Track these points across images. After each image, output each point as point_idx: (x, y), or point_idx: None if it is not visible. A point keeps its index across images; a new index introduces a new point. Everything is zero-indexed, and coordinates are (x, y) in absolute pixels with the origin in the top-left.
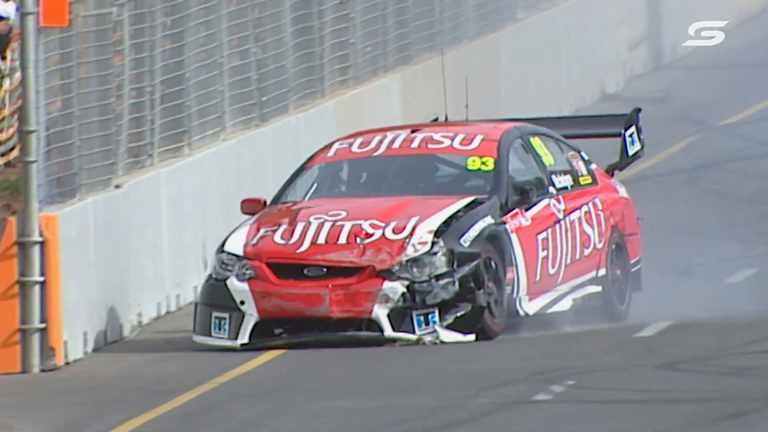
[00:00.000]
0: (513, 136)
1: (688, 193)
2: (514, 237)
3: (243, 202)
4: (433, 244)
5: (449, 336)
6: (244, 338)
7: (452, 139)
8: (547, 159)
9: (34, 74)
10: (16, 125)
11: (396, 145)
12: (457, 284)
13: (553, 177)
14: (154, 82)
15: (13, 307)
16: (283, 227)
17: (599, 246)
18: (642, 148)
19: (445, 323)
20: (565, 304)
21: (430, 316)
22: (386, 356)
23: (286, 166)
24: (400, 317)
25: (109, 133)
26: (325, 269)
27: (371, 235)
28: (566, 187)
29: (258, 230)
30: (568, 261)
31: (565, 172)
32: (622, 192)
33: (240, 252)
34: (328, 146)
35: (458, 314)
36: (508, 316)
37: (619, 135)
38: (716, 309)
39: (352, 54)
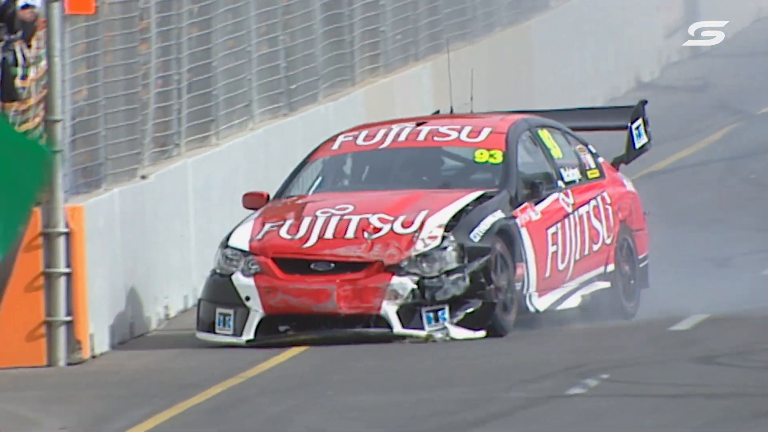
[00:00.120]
0: (521, 128)
1: (725, 183)
2: (524, 232)
3: (245, 196)
4: (443, 238)
5: (459, 333)
6: (249, 335)
7: (459, 132)
8: (556, 152)
9: (60, 63)
10: (42, 115)
11: (402, 138)
12: (467, 280)
13: (562, 170)
14: (181, 70)
15: (39, 299)
16: (289, 222)
17: (608, 241)
18: (649, 141)
19: (455, 320)
20: (574, 301)
21: (439, 313)
22: (415, 350)
23: None
24: (409, 313)
25: (136, 123)
26: (332, 264)
27: (379, 230)
28: (574, 181)
29: (263, 225)
30: (577, 256)
31: (573, 166)
32: (629, 186)
33: (245, 247)
34: (332, 139)
35: (469, 310)
36: (518, 312)
37: (625, 128)
38: (753, 302)
39: (383, 42)
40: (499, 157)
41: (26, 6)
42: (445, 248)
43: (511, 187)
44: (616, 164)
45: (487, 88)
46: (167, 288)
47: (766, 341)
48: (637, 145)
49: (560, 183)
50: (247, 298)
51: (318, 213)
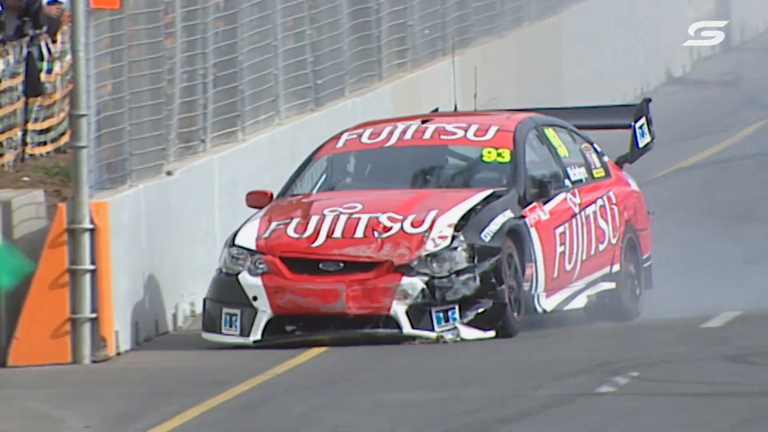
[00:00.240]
0: (528, 126)
1: (756, 179)
2: (533, 231)
3: (249, 194)
4: (453, 238)
5: (470, 333)
6: (256, 335)
7: (466, 131)
8: (562, 151)
9: (85, 58)
10: (67, 110)
11: (407, 136)
12: (478, 280)
13: (568, 169)
14: (206, 65)
15: (64, 296)
16: (297, 220)
17: (613, 241)
18: (653, 140)
19: (465, 320)
20: (580, 301)
21: (449, 313)
22: (442, 349)
23: None
24: (418, 314)
25: (161, 118)
26: (341, 264)
27: (389, 229)
28: (581, 180)
29: (269, 223)
30: (584, 257)
31: (579, 165)
32: (634, 185)
33: (252, 246)
34: (337, 137)
35: (479, 311)
36: (525, 312)
37: (629, 127)
38: None
39: (410, 36)
40: (507, 156)
41: (53, 2)
42: (456, 248)
43: (519, 186)
44: (620, 163)
45: (515, 83)
46: (192, 285)
47: None
48: (641, 144)
49: (567, 182)
50: (255, 298)
51: (326, 212)
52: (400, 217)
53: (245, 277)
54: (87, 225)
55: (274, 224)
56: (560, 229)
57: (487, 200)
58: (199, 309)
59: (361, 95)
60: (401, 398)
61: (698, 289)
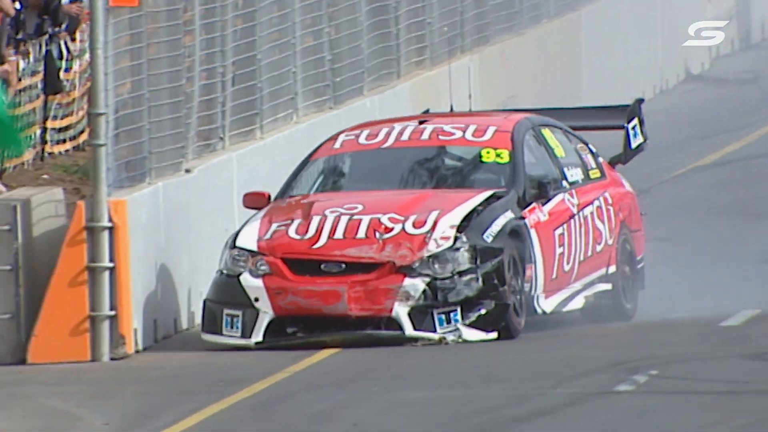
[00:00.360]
0: (525, 127)
1: None
2: (533, 232)
3: (246, 195)
4: (456, 239)
5: (472, 335)
6: (258, 337)
7: (464, 131)
8: (559, 151)
9: (103, 56)
10: (86, 108)
11: (405, 136)
12: (480, 281)
13: (566, 170)
14: (225, 63)
15: (83, 293)
16: (298, 221)
17: (610, 242)
18: (645, 140)
19: (467, 321)
20: (578, 303)
21: (451, 314)
22: (459, 348)
23: None
24: (420, 315)
25: (180, 116)
26: (343, 265)
27: (391, 230)
28: (577, 181)
29: (270, 225)
30: (582, 258)
31: (575, 165)
32: (628, 186)
33: (254, 247)
34: (333, 138)
35: (481, 312)
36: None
37: (621, 128)
38: None
39: (429, 34)
40: (505, 156)
41: (73, 0)
42: (458, 249)
43: (519, 187)
44: (613, 164)
45: (533, 81)
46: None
47: None
48: (633, 145)
49: (564, 183)
50: (256, 300)
51: (327, 212)
52: (402, 218)
53: (247, 279)
54: (106, 223)
55: (274, 225)
56: (559, 230)
57: (487, 201)
58: None
59: (379, 93)
60: (419, 396)
61: (717, 288)
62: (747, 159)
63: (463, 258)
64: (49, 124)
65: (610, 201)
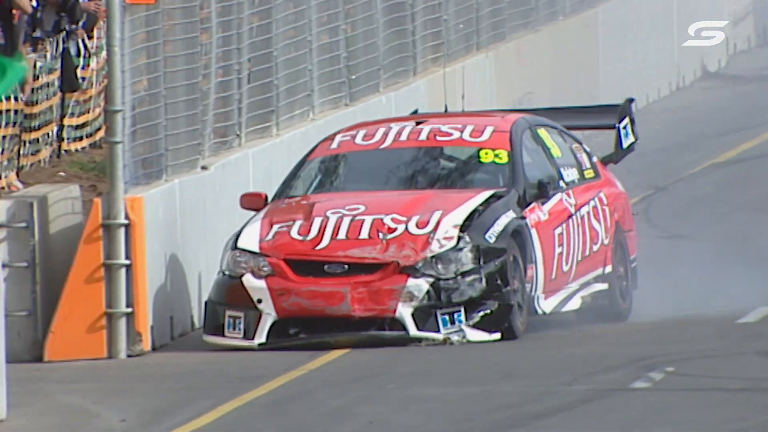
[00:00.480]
0: (522, 127)
1: None
2: (533, 232)
3: (243, 196)
4: (459, 239)
5: (476, 335)
6: (261, 338)
7: (461, 132)
8: (555, 151)
9: (120, 53)
10: (102, 105)
11: (403, 137)
12: (483, 281)
13: (562, 170)
14: (241, 60)
15: (99, 290)
16: (299, 222)
17: (606, 242)
18: (636, 140)
19: (471, 322)
20: (575, 303)
21: (455, 315)
22: (476, 344)
23: None
24: (424, 316)
25: (196, 113)
26: (346, 266)
27: (394, 230)
28: (573, 181)
29: (271, 226)
30: (579, 258)
31: (571, 165)
32: (620, 186)
33: (256, 248)
34: (330, 138)
35: (485, 312)
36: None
37: (613, 127)
38: None
39: (445, 31)
40: (504, 156)
41: None
42: (461, 249)
43: (519, 186)
44: (604, 164)
45: (549, 78)
46: None
47: None
48: (625, 145)
49: (562, 183)
50: (259, 301)
51: (328, 213)
52: (404, 218)
53: (249, 280)
54: (122, 220)
55: (276, 227)
56: (558, 230)
57: (488, 201)
58: None
59: (395, 90)
60: (436, 393)
61: (733, 285)
62: (764, 156)
63: (467, 258)
64: (66, 121)
65: (605, 201)
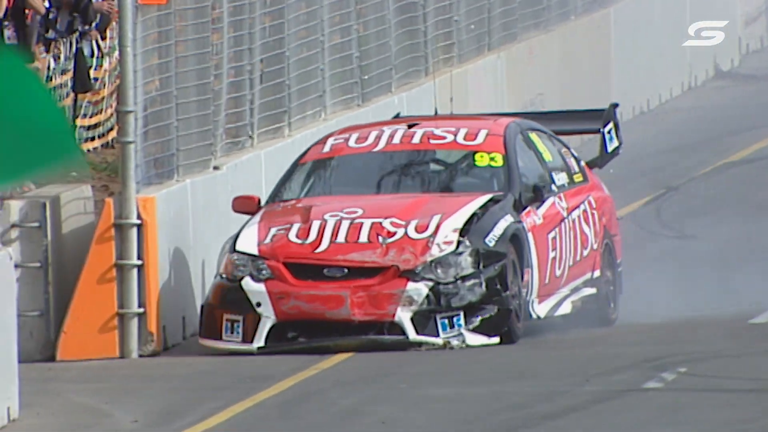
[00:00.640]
0: (515, 130)
1: None
2: (530, 236)
3: (235, 199)
4: (459, 243)
5: (475, 339)
6: (260, 342)
7: (455, 135)
8: (547, 155)
9: (132, 53)
10: (114, 105)
11: (396, 140)
12: (483, 286)
13: (553, 174)
14: (253, 60)
15: (111, 290)
16: (297, 225)
17: (595, 247)
18: (620, 144)
19: (471, 326)
20: (566, 308)
21: (454, 319)
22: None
23: None
24: (423, 320)
25: (208, 113)
26: (346, 270)
27: (393, 234)
28: (564, 185)
29: (269, 229)
30: (571, 262)
31: (561, 169)
32: (606, 190)
33: (254, 251)
34: (322, 141)
35: (484, 317)
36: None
37: (597, 132)
38: None
39: (456, 31)
40: (499, 160)
41: None
42: (461, 253)
43: (515, 190)
44: (590, 168)
45: (561, 78)
46: None
47: None
48: (609, 149)
49: (554, 187)
50: (258, 304)
51: (327, 216)
52: (404, 222)
53: (248, 283)
54: (134, 220)
55: (274, 230)
56: (552, 234)
57: (486, 205)
58: None
59: (407, 91)
60: (448, 393)
61: (745, 284)
62: None
63: (466, 262)
64: (79, 121)
65: (594, 205)
